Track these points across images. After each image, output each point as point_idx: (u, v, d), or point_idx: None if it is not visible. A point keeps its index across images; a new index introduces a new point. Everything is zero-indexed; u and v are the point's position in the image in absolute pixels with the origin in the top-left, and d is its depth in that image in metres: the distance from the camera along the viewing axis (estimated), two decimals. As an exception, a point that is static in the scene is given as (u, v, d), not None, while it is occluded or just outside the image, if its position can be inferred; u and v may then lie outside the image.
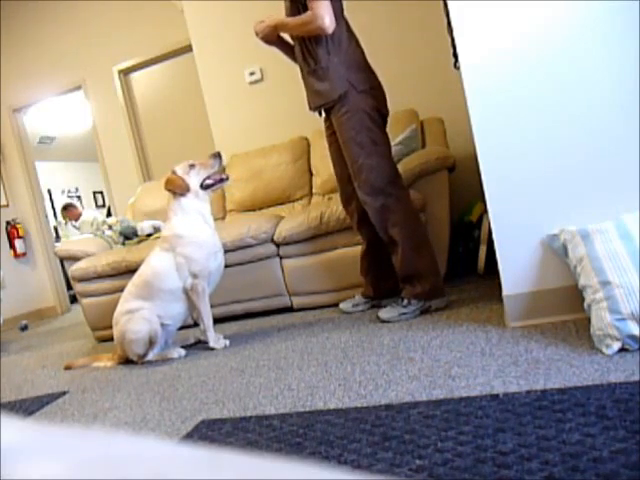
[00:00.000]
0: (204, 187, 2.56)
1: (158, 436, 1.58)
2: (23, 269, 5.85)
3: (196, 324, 2.70)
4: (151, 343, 2.47)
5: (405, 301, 2.34)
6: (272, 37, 2.44)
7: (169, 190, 2.54)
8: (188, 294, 2.50)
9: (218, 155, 2.58)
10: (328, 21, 2.23)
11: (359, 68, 2.36)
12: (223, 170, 2.59)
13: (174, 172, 2.56)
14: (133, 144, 5.39)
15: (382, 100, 2.40)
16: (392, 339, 2.06)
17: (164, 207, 3.93)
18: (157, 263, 2.52)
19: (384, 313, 2.34)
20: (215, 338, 2.55)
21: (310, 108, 2.50)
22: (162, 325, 2.50)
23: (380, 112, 2.38)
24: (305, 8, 2.27)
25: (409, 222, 2.34)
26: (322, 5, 2.22)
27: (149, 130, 5.47)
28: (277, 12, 4.15)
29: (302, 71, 2.45)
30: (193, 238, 2.49)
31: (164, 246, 2.53)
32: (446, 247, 2.86)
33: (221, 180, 2.61)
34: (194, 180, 2.54)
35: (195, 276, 2.48)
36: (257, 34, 2.44)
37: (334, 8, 2.27)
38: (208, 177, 2.56)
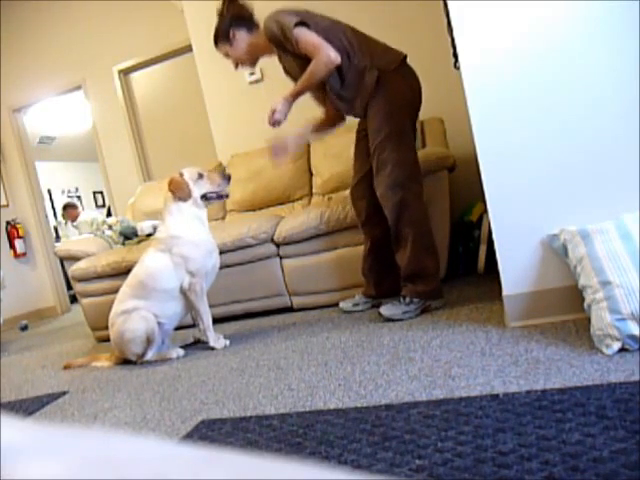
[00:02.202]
0: (203, 198, 2.57)
1: (158, 436, 1.58)
2: (23, 269, 5.85)
3: (194, 325, 2.70)
4: (149, 342, 2.47)
5: (407, 299, 2.34)
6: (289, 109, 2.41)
7: (172, 192, 2.53)
8: (186, 294, 2.51)
9: (228, 178, 2.59)
10: (332, 54, 2.22)
11: (375, 50, 2.32)
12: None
13: (181, 175, 2.55)
14: (133, 144, 5.39)
15: (416, 90, 2.37)
16: (392, 339, 2.06)
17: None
18: (151, 263, 2.52)
19: (386, 310, 2.34)
20: (215, 338, 2.55)
21: (355, 115, 2.50)
22: (158, 324, 2.50)
23: (414, 103, 2.37)
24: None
25: (423, 220, 2.33)
26: (315, 46, 2.22)
27: (149, 130, 5.47)
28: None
29: (332, 97, 2.44)
30: (189, 238, 2.50)
31: (159, 247, 2.53)
32: (446, 247, 2.86)
33: (220, 197, 2.61)
34: (197, 190, 2.53)
35: (193, 275, 2.48)
36: (277, 122, 2.38)
37: (321, 26, 2.27)
38: (212, 193, 2.57)
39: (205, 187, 2.54)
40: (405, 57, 2.35)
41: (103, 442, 0.24)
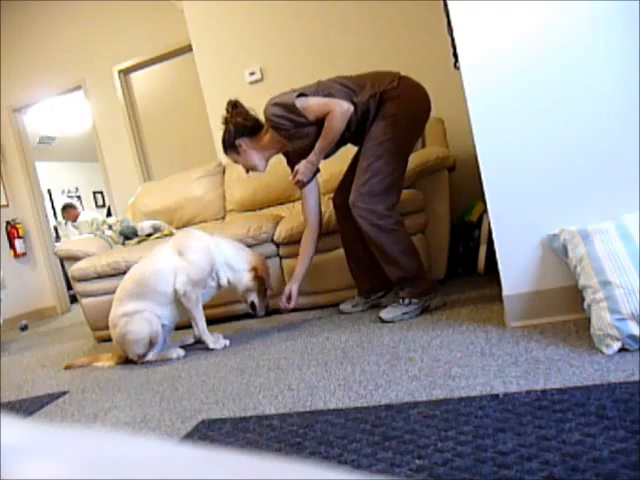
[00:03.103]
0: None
1: (158, 436, 1.58)
2: (23, 269, 5.85)
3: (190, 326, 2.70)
4: (151, 344, 2.47)
5: (406, 300, 2.34)
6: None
7: (258, 274, 2.54)
8: (181, 300, 2.50)
9: (266, 309, 2.66)
10: (345, 104, 2.26)
11: (374, 78, 2.35)
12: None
13: (265, 279, 2.58)
14: (133, 144, 5.39)
15: (424, 101, 2.38)
16: (392, 339, 2.06)
17: (164, 207, 3.94)
18: (158, 263, 2.51)
19: (386, 314, 2.34)
20: (214, 339, 2.54)
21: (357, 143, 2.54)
22: (162, 326, 2.49)
23: (422, 115, 2.39)
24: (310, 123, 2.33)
25: (395, 230, 2.31)
26: (323, 104, 2.27)
27: (149, 130, 5.47)
28: (277, 10, 4.14)
29: (349, 138, 2.47)
30: (204, 248, 2.51)
31: (175, 244, 2.54)
32: (446, 247, 2.86)
33: (252, 305, 2.62)
34: (253, 293, 2.58)
35: (191, 283, 2.47)
36: (301, 183, 2.50)
37: (315, 89, 2.33)
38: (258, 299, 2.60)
39: (256, 294, 2.58)
40: (400, 74, 2.38)
41: (103, 442, 0.24)
